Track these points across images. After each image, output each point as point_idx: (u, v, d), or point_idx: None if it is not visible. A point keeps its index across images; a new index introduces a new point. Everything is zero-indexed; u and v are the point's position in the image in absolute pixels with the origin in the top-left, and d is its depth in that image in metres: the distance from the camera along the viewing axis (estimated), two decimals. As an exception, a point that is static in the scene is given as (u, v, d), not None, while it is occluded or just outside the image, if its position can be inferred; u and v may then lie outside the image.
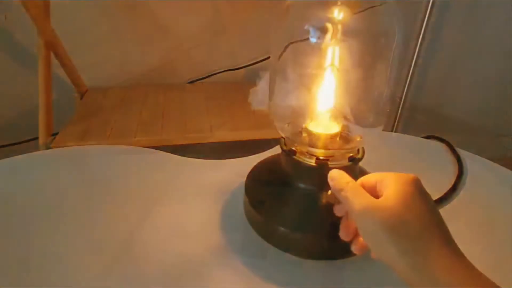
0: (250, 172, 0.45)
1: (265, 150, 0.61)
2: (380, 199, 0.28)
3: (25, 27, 0.86)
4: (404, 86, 1.10)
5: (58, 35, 0.72)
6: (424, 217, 0.27)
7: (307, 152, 0.38)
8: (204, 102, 0.84)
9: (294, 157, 0.38)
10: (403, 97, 1.12)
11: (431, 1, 0.99)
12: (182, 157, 0.57)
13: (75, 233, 0.42)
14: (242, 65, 1.01)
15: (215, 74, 1.01)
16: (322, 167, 0.36)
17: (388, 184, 0.29)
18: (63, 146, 0.63)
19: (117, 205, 0.47)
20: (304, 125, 0.40)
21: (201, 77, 1.00)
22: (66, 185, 0.50)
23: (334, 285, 0.36)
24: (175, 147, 0.66)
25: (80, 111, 0.78)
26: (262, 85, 0.81)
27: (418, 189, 0.28)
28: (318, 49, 0.36)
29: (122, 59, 0.97)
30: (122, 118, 0.74)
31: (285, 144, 0.40)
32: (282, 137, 0.41)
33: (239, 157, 0.57)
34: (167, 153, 0.58)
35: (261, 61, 0.99)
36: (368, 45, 0.37)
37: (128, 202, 0.47)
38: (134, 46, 0.96)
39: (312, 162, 0.37)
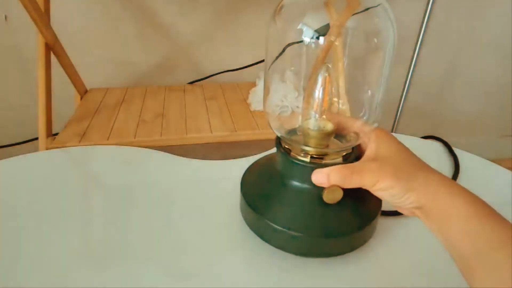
0: (245, 171, 0.45)
1: (265, 151, 0.61)
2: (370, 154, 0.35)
3: (25, 27, 0.87)
4: (404, 86, 1.10)
5: (58, 35, 0.72)
6: (407, 158, 0.34)
7: (301, 151, 0.38)
8: (203, 103, 0.84)
9: (288, 155, 0.38)
10: (403, 97, 1.12)
11: (431, 1, 0.99)
12: (182, 157, 0.57)
13: (74, 233, 0.42)
14: (242, 66, 1.01)
15: (214, 75, 1.01)
16: (316, 165, 0.36)
17: (371, 146, 0.35)
18: (63, 147, 0.64)
19: (116, 205, 0.47)
20: (298, 124, 0.40)
21: (200, 77, 1.00)
22: (66, 185, 0.50)
23: (331, 282, 0.37)
24: (175, 147, 0.66)
25: (80, 111, 0.78)
26: (261, 86, 0.81)
27: (393, 140, 0.35)
28: (313, 49, 0.37)
29: (122, 60, 0.97)
30: (122, 119, 0.75)
31: (279, 143, 0.40)
32: (277, 136, 0.41)
33: (238, 157, 0.57)
34: (167, 153, 0.59)
35: (261, 62, 0.99)
36: (362, 45, 0.37)
37: (128, 203, 0.47)
38: (134, 46, 0.96)
39: (306, 160, 0.37)
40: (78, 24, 0.90)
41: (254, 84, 0.85)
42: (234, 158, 0.57)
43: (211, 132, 0.70)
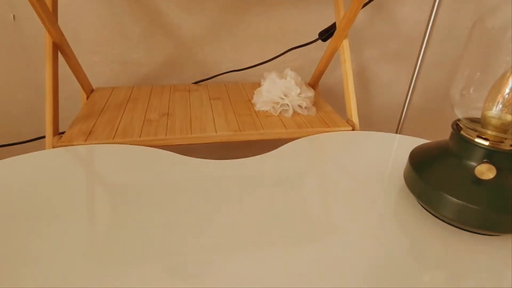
0: (411, 153, 0.50)
1: (269, 150, 0.61)
2: None
3: (33, 27, 0.88)
4: (409, 88, 1.10)
5: (64, 34, 0.73)
6: None
7: (478, 134, 0.43)
8: (208, 103, 0.84)
9: (464, 134, 0.44)
10: (407, 99, 1.11)
11: (437, 2, 0.98)
12: (187, 157, 0.58)
13: (80, 232, 0.42)
14: (247, 66, 1.01)
15: (219, 75, 1.01)
16: (491, 148, 0.42)
17: None
18: (69, 145, 0.64)
19: (122, 204, 0.47)
20: (484, 111, 0.45)
21: (205, 77, 1.01)
22: (72, 183, 0.51)
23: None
24: (180, 147, 0.67)
25: (86, 110, 0.79)
26: (266, 86, 0.81)
27: None
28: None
29: (128, 59, 0.98)
30: (127, 118, 0.75)
31: (456, 125, 0.47)
32: (457, 119, 0.48)
33: (243, 157, 0.58)
34: (172, 153, 0.59)
35: (265, 62, 1.00)
36: None
37: (133, 201, 0.48)
38: (140, 46, 0.97)
39: (485, 143, 0.42)
40: (84, 23, 0.91)
41: (259, 85, 0.85)
42: (238, 158, 0.57)
43: (216, 131, 0.71)
